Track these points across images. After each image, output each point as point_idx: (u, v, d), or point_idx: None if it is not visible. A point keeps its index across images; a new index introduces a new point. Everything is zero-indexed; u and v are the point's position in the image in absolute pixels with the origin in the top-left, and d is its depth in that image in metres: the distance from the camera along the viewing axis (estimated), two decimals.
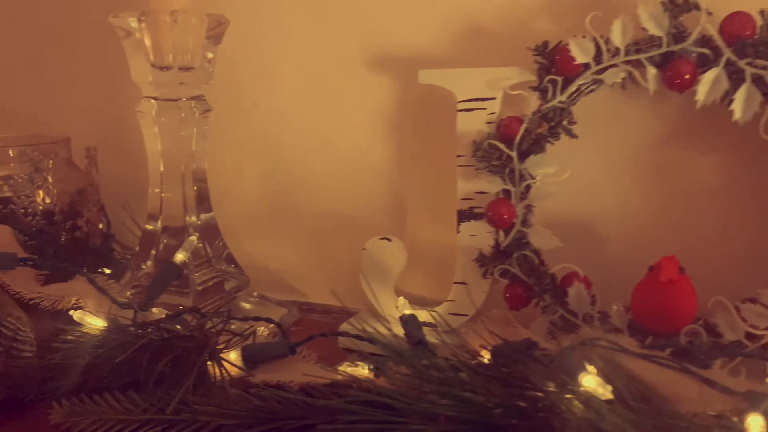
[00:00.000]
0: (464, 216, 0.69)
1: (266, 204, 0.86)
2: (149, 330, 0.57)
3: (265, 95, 0.83)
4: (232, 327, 0.62)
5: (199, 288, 0.73)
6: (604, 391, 0.47)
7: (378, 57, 0.76)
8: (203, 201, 0.75)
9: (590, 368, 0.49)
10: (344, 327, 0.72)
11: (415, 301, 0.74)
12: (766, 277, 0.59)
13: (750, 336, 0.59)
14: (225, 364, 0.57)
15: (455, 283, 0.70)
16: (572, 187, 0.67)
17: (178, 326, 0.59)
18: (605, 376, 0.48)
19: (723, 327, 0.60)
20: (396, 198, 0.79)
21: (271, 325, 0.67)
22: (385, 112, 0.77)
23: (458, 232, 0.69)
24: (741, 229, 0.65)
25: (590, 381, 0.48)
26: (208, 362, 0.56)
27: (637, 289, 0.62)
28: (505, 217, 0.65)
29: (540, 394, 0.48)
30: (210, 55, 0.72)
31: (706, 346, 0.60)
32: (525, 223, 0.66)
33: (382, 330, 0.61)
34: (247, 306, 0.80)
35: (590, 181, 0.69)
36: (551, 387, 0.48)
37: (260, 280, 0.83)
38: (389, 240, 0.72)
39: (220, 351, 0.56)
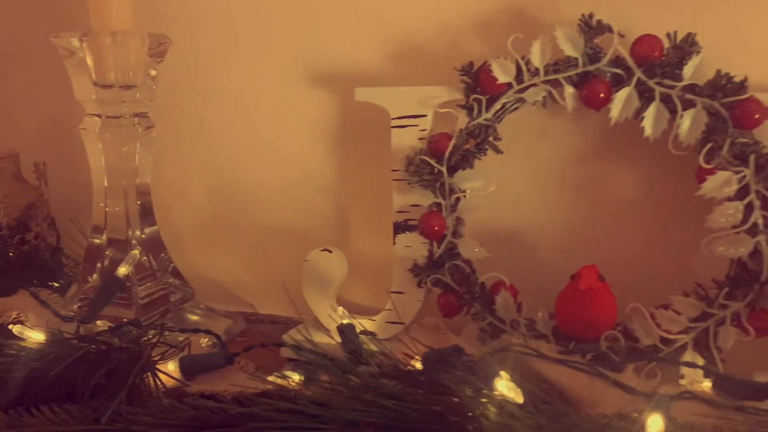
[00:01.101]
0: (400, 228, 0.71)
1: (213, 217, 0.88)
2: (86, 343, 0.58)
3: (210, 111, 0.85)
4: (180, 339, 0.64)
5: (144, 301, 0.75)
6: (515, 395, 0.50)
7: (318, 74, 0.78)
8: (147, 215, 0.77)
9: (503, 374, 0.52)
10: (285, 337, 0.74)
11: (357, 310, 0.77)
12: (678, 284, 0.63)
13: (664, 340, 0.62)
14: (162, 375, 0.59)
15: (392, 292, 0.73)
16: (502, 200, 0.70)
17: (116, 339, 0.60)
18: (518, 380, 0.51)
19: (639, 332, 0.63)
20: (338, 210, 0.81)
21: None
22: (326, 128, 0.79)
23: (394, 243, 0.72)
24: (656, 239, 0.68)
25: (503, 386, 0.51)
26: (145, 373, 0.58)
27: (559, 296, 0.65)
28: (436, 228, 0.68)
29: (456, 399, 0.50)
30: (153, 73, 0.74)
31: (624, 351, 0.63)
32: (456, 234, 0.69)
33: (324, 339, 0.64)
34: (194, 318, 0.81)
35: (518, 193, 0.72)
36: (468, 392, 0.51)
37: (208, 292, 0.85)
38: (330, 251, 0.75)
39: (156, 362, 0.58)
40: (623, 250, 0.69)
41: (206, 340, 0.71)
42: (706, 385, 0.58)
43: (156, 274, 0.78)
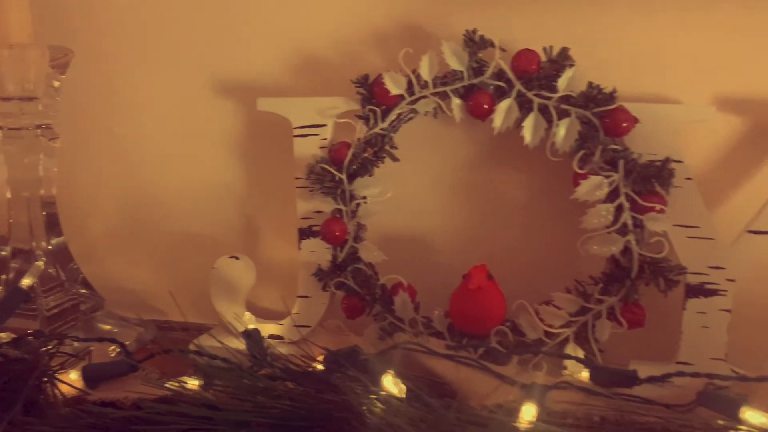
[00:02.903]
0: (304, 234, 0.74)
1: (125, 226, 0.88)
2: None
3: (120, 121, 0.85)
4: (92, 349, 0.65)
5: (52, 311, 0.75)
6: (399, 391, 0.53)
7: (224, 85, 0.80)
8: (53, 225, 0.77)
9: (390, 371, 0.55)
10: (192, 343, 0.75)
11: (266, 315, 0.79)
12: (558, 281, 0.67)
13: (548, 334, 0.67)
14: (63, 384, 0.60)
15: (298, 296, 0.75)
16: (401, 205, 0.74)
17: (16, 350, 0.61)
18: (403, 376, 0.55)
19: (526, 327, 0.67)
20: (247, 218, 0.83)
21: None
22: (233, 137, 0.81)
23: (300, 249, 0.74)
24: (539, 240, 0.73)
25: (389, 382, 0.54)
26: (43, 383, 0.58)
27: (453, 295, 0.68)
28: (338, 234, 0.71)
29: (345, 397, 0.53)
30: (56, 84, 0.75)
31: (512, 345, 0.67)
32: (357, 239, 0.72)
33: (233, 344, 0.66)
34: (105, 327, 0.82)
35: (415, 199, 0.75)
36: (356, 390, 0.54)
37: (121, 300, 0.86)
38: (237, 258, 0.76)
39: (55, 372, 0.59)
40: (510, 251, 0.73)
41: (113, 348, 0.72)
42: (585, 375, 0.63)
43: (64, 285, 0.78)
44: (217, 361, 0.59)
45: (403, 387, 0.53)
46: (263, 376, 0.56)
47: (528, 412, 0.52)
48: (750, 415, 0.53)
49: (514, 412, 0.51)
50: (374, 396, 0.53)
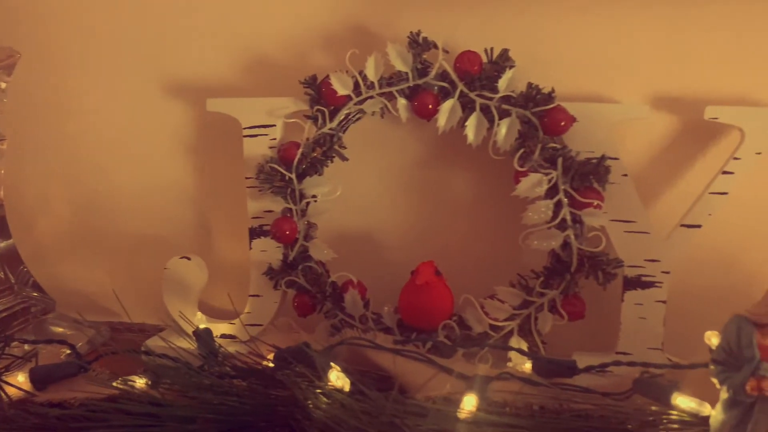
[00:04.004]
0: (255, 233, 0.74)
1: (77, 228, 0.88)
2: None
3: (71, 123, 0.85)
4: (39, 351, 0.65)
5: (2, 314, 0.75)
6: (344, 384, 0.54)
7: (174, 86, 0.80)
8: (1, 228, 0.77)
9: (335, 365, 0.56)
10: (144, 344, 0.75)
11: (219, 314, 0.79)
12: (504, 275, 0.69)
13: (494, 327, 0.69)
14: (8, 386, 0.59)
15: (250, 296, 0.76)
16: (352, 204, 0.76)
17: None
18: (349, 371, 0.56)
19: (472, 321, 0.69)
20: (200, 218, 0.84)
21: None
22: (185, 138, 0.82)
23: (251, 248, 0.75)
24: (485, 236, 0.75)
25: (335, 376, 0.55)
26: None
27: (402, 291, 0.70)
28: (288, 233, 0.71)
29: (290, 392, 0.54)
30: (2, 86, 0.74)
31: (459, 339, 0.69)
32: (307, 237, 0.73)
33: (184, 344, 0.66)
34: (58, 329, 0.82)
35: (366, 197, 0.77)
36: (301, 385, 0.55)
37: (75, 303, 0.85)
38: (189, 259, 0.77)
39: (1, 375, 0.59)
40: (457, 247, 0.75)
41: (64, 350, 0.72)
42: (528, 366, 0.65)
43: (14, 288, 0.78)
44: (166, 360, 0.60)
45: (348, 381, 0.54)
46: (211, 373, 0.57)
47: (469, 402, 0.54)
48: (681, 400, 0.56)
49: (454, 402, 0.53)
50: (320, 390, 0.54)
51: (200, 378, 0.55)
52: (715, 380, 0.51)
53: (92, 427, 0.53)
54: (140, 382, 0.58)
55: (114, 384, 0.57)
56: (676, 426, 0.55)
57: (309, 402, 0.53)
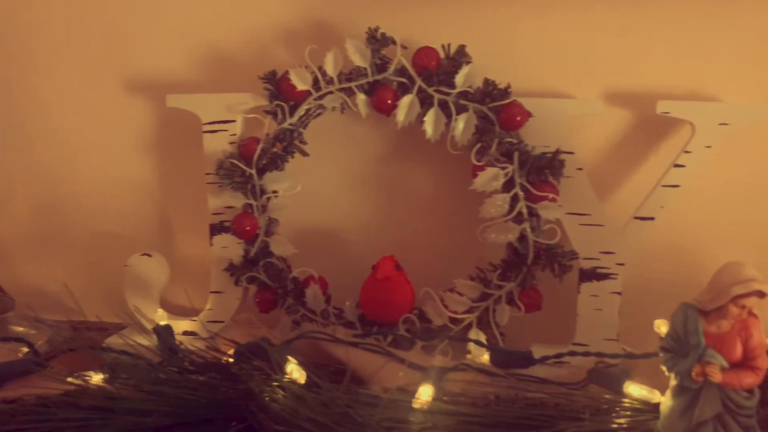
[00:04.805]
0: (216, 229, 0.74)
1: (38, 227, 0.87)
2: None
3: (31, 121, 0.84)
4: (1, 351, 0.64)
5: None
6: (300, 377, 0.55)
7: (133, 83, 0.80)
8: None
9: (292, 359, 0.56)
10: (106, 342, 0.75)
11: (182, 312, 0.79)
12: (464, 269, 0.70)
13: (453, 320, 0.69)
14: None
15: (211, 292, 0.75)
16: (314, 199, 0.76)
17: None
18: (306, 364, 0.56)
19: (432, 314, 0.70)
20: (161, 215, 0.83)
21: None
22: (145, 135, 0.81)
23: (212, 244, 0.75)
24: (445, 229, 0.75)
25: (291, 369, 0.56)
26: None
27: (363, 286, 0.70)
28: (248, 228, 0.71)
29: (247, 386, 0.55)
30: None
31: (419, 332, 0.70)
32: (268, 233, 0.73)
33: (144, 341, 0.66)
34: (19, 328, 0.80)
35: (328, 193, 0.77)
36: (258, 379, 0.55)
37: (38, 302, 0.84)
38: (150, 256, 0.77)
39: None
40: (418, 241, 0.75)
41: (24, 348, 0.71)
42: (486, 357, 0.65)
43: None
44: (123, 357, 0.60)
45: (303, 373, 0.55)
46: (167, 368, 0.57)
47: (425, 393, 0.55)
48: (632, 388, 0.57)
49: (410, 392, 0.54)
50: (276, 383, 0.54)
51: (156, 373, 0.55)
52: (663, 367, 0.53)
53: (45, 420, 0.52)
54: (96, 378, 0.58)
55: (69, 379, 0.56)
56: (628, 413, 0.56)
57: (265, 395, 0.53)
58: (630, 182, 0.70)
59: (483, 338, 0.68)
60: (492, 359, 0.64)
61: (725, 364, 0.49)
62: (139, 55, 0.79)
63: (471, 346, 0.67)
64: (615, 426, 0.54)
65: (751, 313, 0.50)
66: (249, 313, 0.76)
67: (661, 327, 0.61)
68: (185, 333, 0.76)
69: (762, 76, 0.67)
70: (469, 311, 0.69)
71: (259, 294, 0.74)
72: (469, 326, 0.69)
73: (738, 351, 0.50)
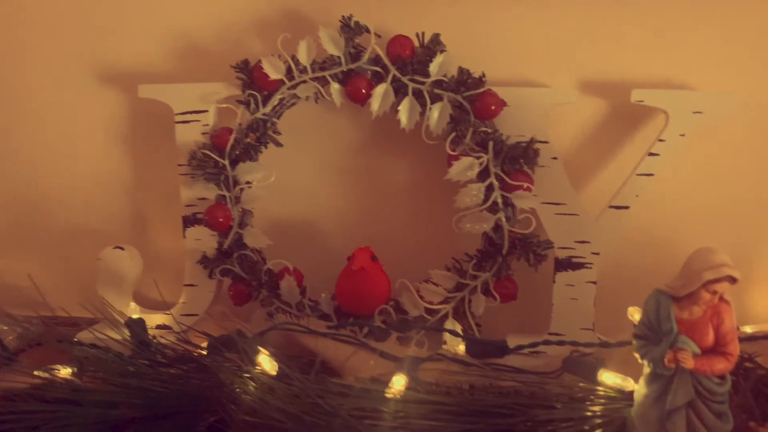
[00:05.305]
0: (189, 222, 0.73)
1: (10, 221, 0.85)
2: None
3: (2, 113, 0.82)
4: None
5: None
6: (271, 369, 0.54)
7: (105, 73, 0.78)
8: None
9: (263, 350, 0.55)
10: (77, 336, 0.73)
11: (155, 305, 0.78)
12: (441, 260, 0.70)
13: (429, 311, 0.69)
14: None
15: (185, 285, 0.75)
16: (289, 191, 0.75)
17: None
18: (278, 355, 0.56)
19: (408, 305, 0.69)
20: (135, 208, 0.82)
21: None
22: (118, 127, 0.80)
23: (185, 237, 0.74)
24: (421, 220, 0.75)
25: (264, 361, 0.55)
26: None
27: (338, 277, 0.70)
28: (221, 220, 0.71)
29: (217, 378, 0.54)
30: None
31: (396, 323, 0.69)
32: (242, 225, 0.72)
33: (116, 335, 0.65)
34: None
35: (304, 184, 0.76)
36: (229, 371, 0.54)
37: (9, 298, 0.83)
38: (123, 249, 0.75)
39: None
40: (394, 232, 0.75)
41: None
42: (462, 347, 0.65)
43: None
44: (93, 350, 0.59)
45: (276, 365, 0.54)
46: (137, 361, 0.56)
47: (398, 382, 0.54)
48: (606, 376, 0.57)
49: (382, 382, 0.53)
50: (248, 375, 0.54)
51: (125, 365, 0.54)
52: (636, 355, 0.53)
53: (9, 413, 0.51)
54: (64, 372, 0.57)
55: (35, 373, 0.55)
56: (602, 401, 0.56)
57: (236, 386, 0.52)
58: (605, 171, 0.70)
59: (459, 329, 0.68)
60: (467, 349, 0.64)
61: (697, 350, 0.49)
62: (110, 46, 0.77)
63: (446, 336, 0.67)
64: (589, 414, 0.54)
65: (722, 299, 0.50)
66: (223, 306, 0.75)
67: (635, 314, 0.61)
68: (159, 327, 0.75)
69: (736, 64, 0.67)
70: (444, 302, 0.68)
71: (234, 287, 0.73)
72: (445, 317, 0.69)
73: (710, 337, 0.50)
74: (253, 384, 0.53)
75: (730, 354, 0.50)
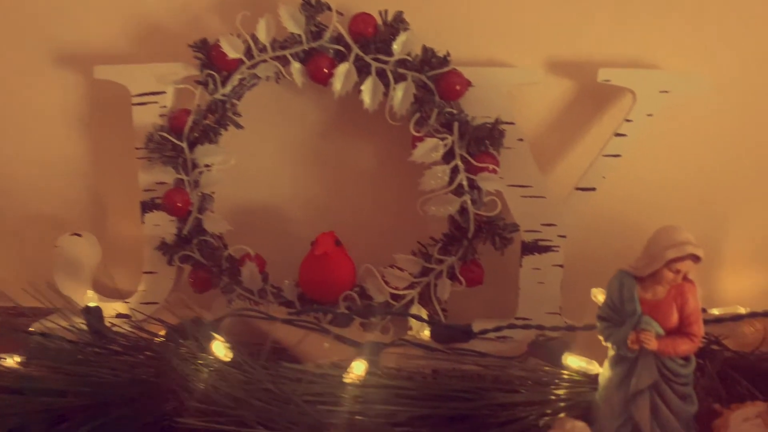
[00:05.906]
0: (147, 207, 0.71)
1: None
2: None
3: None
4: None
5: None
6: (225, 355, 0.52)
7: (60, 55, 0.75)
8: None
9: (218, 337, 0.54)
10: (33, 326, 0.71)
11: (115, 294, 0.76)
12: (407, 244, 0.68)
13: (395, 296, 0.68)
14: None
15: (144, 272, 0.72)
16: (251, 174, 0.73)
17: None
18: (233, 342, 0.54)
19: (372, 291, 0.68)
20: (93, 193, 0.79)
21: None
22: (73, 110, 0.77)
23: (143, 222, 0.71)
24: (386, 204, 0.73)
25: (218, 348, 0.53)
26: None
27: (302, 263, 0.68)
28: (179, 205, 0.68)
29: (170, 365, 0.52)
30: None
31: (360, 309, 0.68)
32: (201, 210, 0.70)
33: (65, 324, 0.63)
34: None
35: (266, 168, 0.74)
36: (183, 357, 0.52)
37: None
38: (80, 235, 0.73)
39: None
40: (359, 216, 0.73)
41: None
42: (427, 333, 0.64)
43: None
44: (42, 339, 0.57)
45: (229, 352, 0.52)
46: (87, 348, 0.55)
47: (358, 368, 0.53)
48: (571, 360, 0.56)
49: (341, 367, 0.52)
50: (201, 362, 0.52)
51: (73, 353, 0.52)
52: (600, 337, 0.52)
53: None
54: (11, 361, 0.55)
55: None
56: (567, 385, 0.55)
57: (188, 373, 0.51)
58: (572, 152, 0.69)
59: (424, 314, 0.66)
60: (432, 334, 0.63)
61: (661, 331, 0.48)
62: (65, 25, 0.74)
63: (412, 321, 0.65)
64: (553, 398, 0.53)
65: (686, 279, 0.49)
66: (184, 293, 0.73)
67: (599, 296, 0.60)
68: (118, 316, 0.73)
69: (703, 44, 0.66)
70: (410, 287, 0.67)
71: (194, 273, 0.71)
72: (411, 302, 0.67)
73: (674, 318, 0.49)
74: (206, 371, 0.51)
75: (694, 335, 0.49)
